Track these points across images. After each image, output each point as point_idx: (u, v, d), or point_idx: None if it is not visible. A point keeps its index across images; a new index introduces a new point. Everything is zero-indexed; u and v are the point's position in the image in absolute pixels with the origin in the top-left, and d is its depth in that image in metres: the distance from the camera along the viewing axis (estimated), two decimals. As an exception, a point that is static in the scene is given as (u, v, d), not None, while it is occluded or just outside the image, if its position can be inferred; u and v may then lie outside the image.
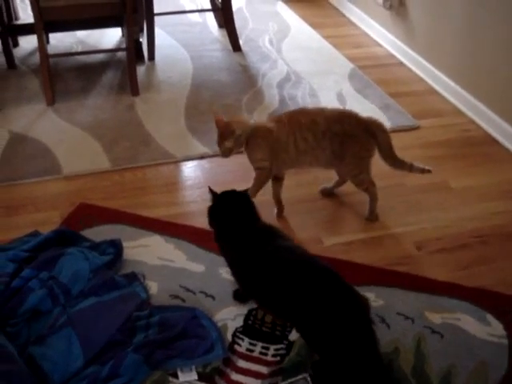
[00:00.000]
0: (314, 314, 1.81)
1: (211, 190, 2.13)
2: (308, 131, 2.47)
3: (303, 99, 3.57)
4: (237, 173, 2.84)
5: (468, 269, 2.37)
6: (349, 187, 2.78)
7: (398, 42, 4.17)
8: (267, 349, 1.99)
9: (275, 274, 1.89)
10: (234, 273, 2.09)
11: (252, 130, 2.49)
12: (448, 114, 3.50)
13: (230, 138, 2.43)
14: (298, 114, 2.54)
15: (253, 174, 2.56)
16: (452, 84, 3.60)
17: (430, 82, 3.82)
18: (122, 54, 4.06)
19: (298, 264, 1.90)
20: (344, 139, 2.48)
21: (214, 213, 2.12)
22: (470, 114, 3.45)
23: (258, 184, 2.58)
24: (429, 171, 2.57)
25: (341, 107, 3.35)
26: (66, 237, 2.41)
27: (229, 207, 2.09)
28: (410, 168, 2.59)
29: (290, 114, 2.55)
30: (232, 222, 2.06)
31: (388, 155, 2.57)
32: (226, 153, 2.48)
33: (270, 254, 1.93)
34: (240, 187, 2.65)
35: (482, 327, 2.08)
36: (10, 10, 4.15)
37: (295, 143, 2.48)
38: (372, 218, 2.65)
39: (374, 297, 2.18)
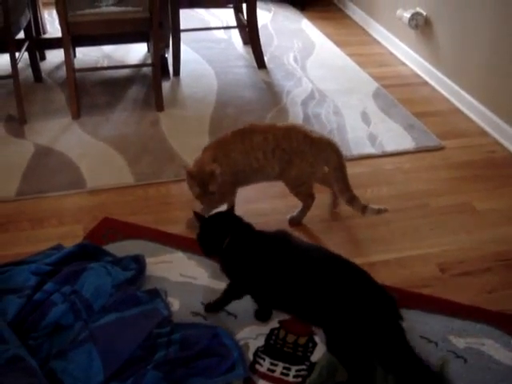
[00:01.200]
0: (345, 308, 1.81)
1: (197, 214, 2.10)
2: (259, 150, 2.50)
3: (327, 117, 3.57)
4: (259, 188, 2.80)
5: (493, 293, 2.34)
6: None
7: (423, 62, 4.16)
8: (289, 369, 1.98)
9: (305, 274, 1.89)
10: (256, 285, 2.05)
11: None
12: (473, 135, 3.48)
13: (213, 181, 2.40)
14: (249, 133, 2.53)
15: (275, 190, 2.62)
16: (477, 104, 3.58)
17: (454, 102, 3.80)
18: (147, 69, 4.09)
19: (324, 262, 1.91)
20: (292, 156, 2.50)
21: (216, 236, 2.06)
22: (495, 134, 3.42)
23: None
24: (385, 210, 2.56)
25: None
26: (89, 251, 2.41)
27: (229, 225, 2.06)
28: (362, 210, 2.57)
29: (242, 133, 2.54)
30: (245, 237, 2.05)
31: (339, 178, 2.56)
32: (212, 197, 2.44)
33: (295, 256, 1.94)
34: (264, 203, 2.69)
35: (506, 353, 2.04)
36: (37, 24, 4.21)
37: (249, 162, 2.51)
38: (294, 222, 2.68)
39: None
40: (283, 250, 1.97)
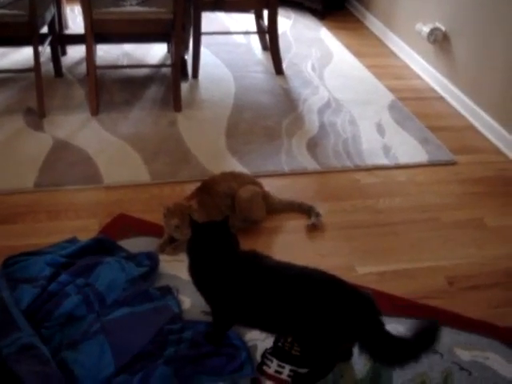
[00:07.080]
0: (320, 317, 1.85)
1: (192, 220, 1.99)
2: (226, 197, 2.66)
3: (342, 127, 3.60)
4: (275, 192, 2.87)
5: (500, 308, 2.36)
6: (388, 218, 2.81)
7: (440, 76, 4.19)
8: (295, 372, 2.01)
9: (280, 291, 1.89)
10: (231, 304, 1.99)
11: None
12: (486, 152, 3.50)
13: (192, 212, 2.38)
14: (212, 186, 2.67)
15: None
16: (492, 121, 3.60)
17: (469, 117, 3.83)
18: (166, 70, 4.13)
19: (299, 277, 1.91)
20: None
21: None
22: (508, 153, 3.44)
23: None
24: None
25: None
26: (104, 245, 2.45)
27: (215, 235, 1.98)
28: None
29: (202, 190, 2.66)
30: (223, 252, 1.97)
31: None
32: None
33: (268, 274, 1.94)
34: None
35: (511, 368, 2.07)
36: (60, 20, 4.26)
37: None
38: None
39: (404, 329, 2.18)
40: (250, 268, 1.95)
